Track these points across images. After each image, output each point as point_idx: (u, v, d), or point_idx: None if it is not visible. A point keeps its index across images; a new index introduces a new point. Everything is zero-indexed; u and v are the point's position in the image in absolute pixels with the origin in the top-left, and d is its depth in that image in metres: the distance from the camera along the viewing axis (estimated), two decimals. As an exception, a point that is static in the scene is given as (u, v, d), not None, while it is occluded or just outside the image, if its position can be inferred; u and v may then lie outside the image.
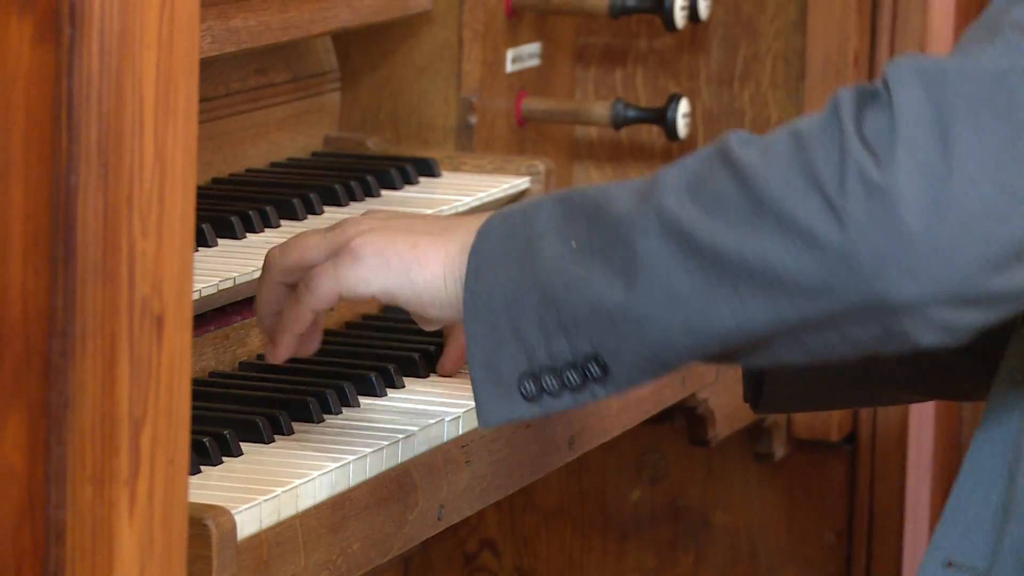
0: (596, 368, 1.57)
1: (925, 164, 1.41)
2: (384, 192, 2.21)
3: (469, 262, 1.62)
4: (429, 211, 2.16)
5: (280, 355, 1.76)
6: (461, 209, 2.21)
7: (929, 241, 1.41)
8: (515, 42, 2.46)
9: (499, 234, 1.62)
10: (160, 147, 1.35)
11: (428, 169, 2.28)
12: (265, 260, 1.78)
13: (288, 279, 1.75)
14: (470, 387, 1.76)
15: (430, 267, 1.65)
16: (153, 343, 1.36)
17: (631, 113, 2.46)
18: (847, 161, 1.43)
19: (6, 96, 1.30)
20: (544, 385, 1.59)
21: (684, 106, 2.45)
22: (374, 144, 2.36)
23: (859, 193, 1.41)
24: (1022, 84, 1.42)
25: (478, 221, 1.65)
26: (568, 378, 1.58)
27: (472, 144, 2.39)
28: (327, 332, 2.02)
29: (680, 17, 2.41)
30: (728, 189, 1.49)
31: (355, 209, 2.13)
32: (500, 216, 1.64)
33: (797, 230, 1.44)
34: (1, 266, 1.31)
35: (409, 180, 2.26)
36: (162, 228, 1.36)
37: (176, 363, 1.39)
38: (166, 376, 1.38)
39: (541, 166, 2.30)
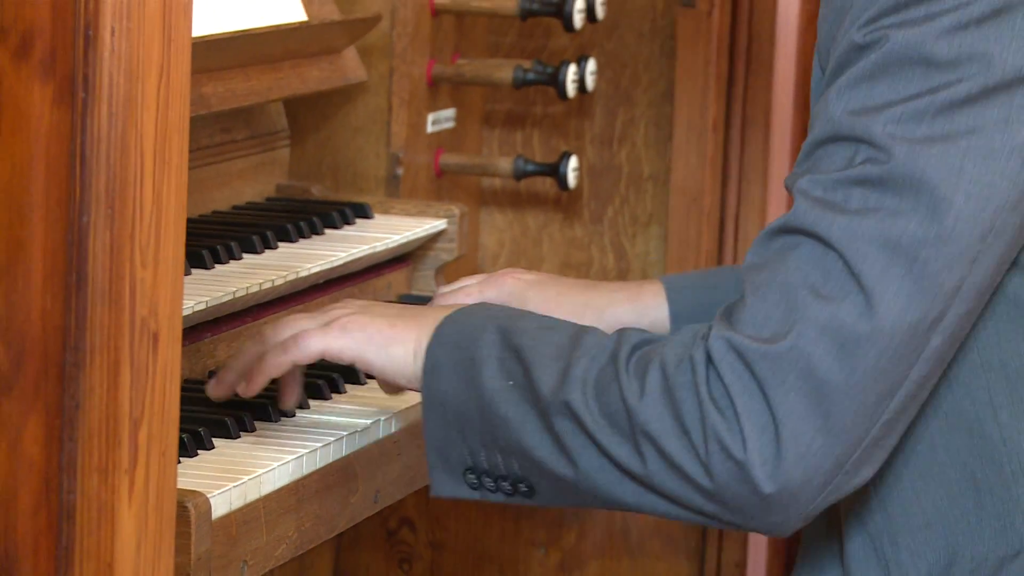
0: (525, 487, 1.58)
1: (763, 429, 1.44)
2: (327, 231, 2.20)
3: (425, 361, 1.61)
4: (366, 247, 2.16)
5: (248, 391, 1.72)
6: (391, 245, 2.21)
7: (780, 493, 1.45)
8: (434, 108, 2.46)
9: (450, 342, 1.61)
10: (157, 193, 1.35)
11: (363, 212, 2.28)
12: (261, 334, 1.75)
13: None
14: (402, 395, 1.77)
15: (403, 344, 1.64)
16: (149, 356, 1.36)
17: (529, 167, 2.46)
18: (706, 421, 1.45)
19: (30, 150, 1.29)
20: (483, 483, 1.59)
21: (573, 162, 2.45)
22: (318, 191, 2.35)
23: (718, 455, 1.45)
24: (812, 349, 1.43)
25: (442, 312, 1.65)
26: (502, 486, 1.59)
27: (399, 191, 2.39)
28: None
29: (571, 89, 2.41)
30: (619, 410, 1.50)
31: (304, 245, 2.13)
32: (453, 322, 1.63)
33: (675, 465, 1.48)
34: (24, 292, 1.30)
35: (347, 221, 2.25)
36: (158, 260, 1.35)
37: (168, 372, 1.38)
38: (159, 383, 1.37)
39: (456, 210, 2.30)
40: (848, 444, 1.45)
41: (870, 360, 1.43)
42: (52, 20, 1.29)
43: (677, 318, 1.89)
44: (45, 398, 1.32)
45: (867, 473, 1.48)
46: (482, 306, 1.67)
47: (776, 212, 2.58)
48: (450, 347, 1.60)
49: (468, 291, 1.92)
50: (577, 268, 2.59)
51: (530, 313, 1.67)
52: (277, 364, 1.69)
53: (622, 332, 1.55)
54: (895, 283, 1.42)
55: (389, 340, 1.65)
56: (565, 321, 1.62)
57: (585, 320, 1.86)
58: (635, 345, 1.53)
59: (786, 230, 1.46)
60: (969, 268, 1.43)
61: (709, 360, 1.46)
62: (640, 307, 1.91)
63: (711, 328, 1.49)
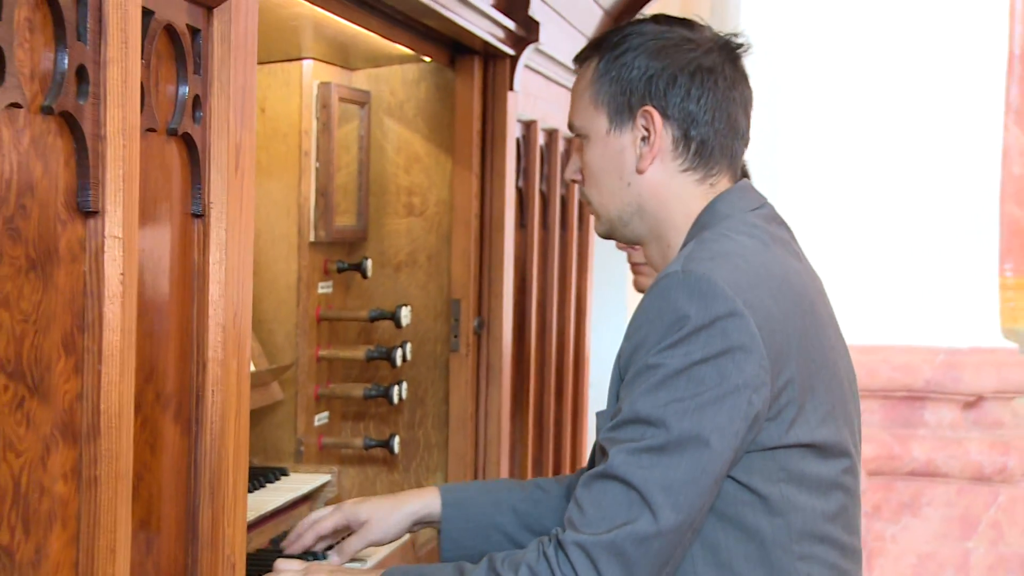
0: None
1: None
2: (267, 484, 2.14)
3: None
4: (293, 494, 2.10)
5: None
6: (304, 491, 2.15)
7: None
8: (318, 411, 2.42)
9: None
10: (235, 483, 1.30)
11: (284, 472, 2.22)
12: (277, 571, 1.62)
13: None
14: None
15: None
16: (230, 576, 1.29)
17: (371, 443, 2.44)
18: None
19: (167, 462, 1.24)
20: None
21: (396, 440, 2.44)
22: (257, 461, 2.29)
23: None
24: (623, 542, 1.38)
25: None
26: None
27: (302, 460, 2.34)
28: None
29: (395, 399, 2.42)
30: None
31: (259, 493, 2.06)
32: None
33: None
34: (165, 547, 1.23)
35: (277, 478, 2.19)
36: (235, 520, 1.30)
37: (238, 585, 1.31)
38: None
39: (335, 469, 2.27)
40: None
41: (655, 548, 1.40)
42: (179, 389, 1.26)
43: (445, 504, 1.82)
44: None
45: None
46: (396, 569, 1.58)
47: (502, 465, 2.59)
48: None
49: (323, 515, 1.82)
50: (397, 498, 2.55)
51: (427, 565, 1.58)
52: None
53: (491, 556, 1.49)
54: (672, 507, 1.39)
55: None
56: (448, 564, 1.54)
57: (390, 513, 1.79)
58: (502, 559, 1.47)
59: (606, 475, 1.42)
60: (712, 490, 1.41)
61: (560, 549, 1.41)
62: (423, 500, 1.82)
63: (558, 534, 1.43)
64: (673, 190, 1.55)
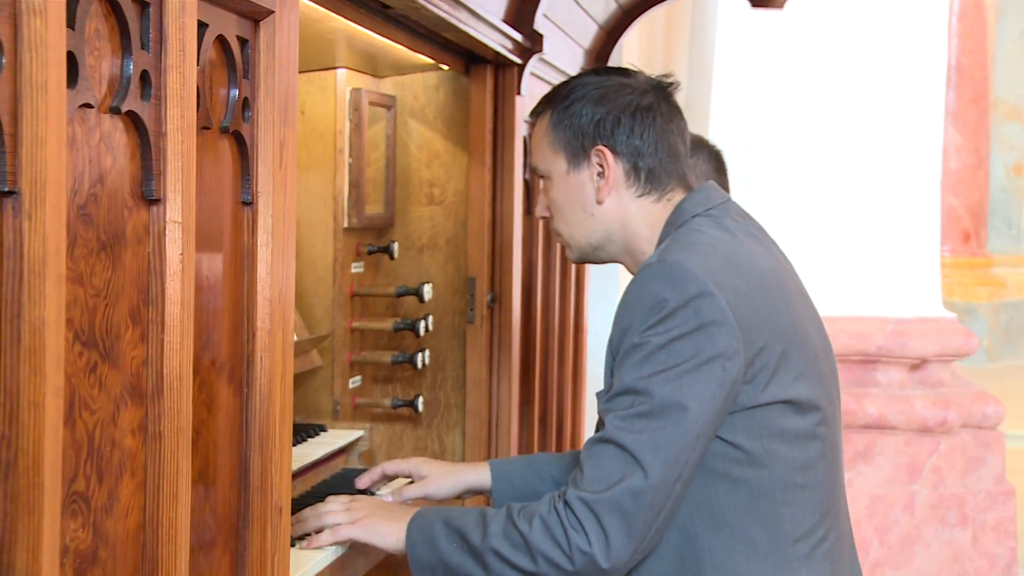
0: None
1: (598, 537, 1.38)
2: (308, 439, 2.13)
3: (407, 544, 1.53)
4: (331, 447, 2.08)
5: (309, 547, 1.58)
6: (340, 445, 2.13)
7: (613, 568, 1.39)
8: (352, 375, 2.41)
9: (416, 530, 1.52)
10: (281, 433, 1.28)
11: (323, 428, 2.21)
12: (316, 508, 1.62)
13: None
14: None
15: (392, 535, 1.55)
16: (280, 520, 1.26)
17: (399, 403, 2.42)
18: (568, 537, 1.39)
19: (221, 419, 1.22)
20: None
21: (420, 400, 2.42)
22: (299, 419, 2.27)
23: (578, 553, 1.39)
24: (620, 497, 1.38)
25: (408, 514, 1.56)
26: None
27: (339, 417, 2.32)
28: None
29: (419, 364, 2.40)
30: (519, 541, 1.43)
31: (302, 447, 2.04)
32: (415, 521, 1.54)
33: (553, 563, 1.41)
34: (219, 493, 1.21)
35: (316, 434, 2.18)
36: (283, 469, 1.27)
37: (285, 528, 1.29)
38: (282, 531, 1.28)
39: (368, 425, 2.26)
40: (641, 540, 1.40)
41: (648, 500, 1.39)
42: (231, 355, 1.24)
43: (494, 476, 1.82)
44: (231, 545, 1.22)
45: (647, 551, 1.43)
46: (427, 509, 1.57)
47: (512, 422, 2.57)
48: (416, 533, 1.52)
49: (396, 461, 1.84)
50: (421, 450, 2.52)
51: (454, 508, 1.56)
52: (328, 541, 1.58)
53: (509, 505, 1.48)
54: (660, 464, 1.39)
55: (384, 533, 1.56)
56: (473, 508, 1.53)
57: (448, 476, 1.79)
58: (519, 509, 1.46)
59: (603, 440, 1.42)
60: (695, 446, 1.40)
61: (567, 506, 1.41)
62: (476, 473, 1.83)
63: (565, 490, 1.43)
64: (633, 212, 1.58)
